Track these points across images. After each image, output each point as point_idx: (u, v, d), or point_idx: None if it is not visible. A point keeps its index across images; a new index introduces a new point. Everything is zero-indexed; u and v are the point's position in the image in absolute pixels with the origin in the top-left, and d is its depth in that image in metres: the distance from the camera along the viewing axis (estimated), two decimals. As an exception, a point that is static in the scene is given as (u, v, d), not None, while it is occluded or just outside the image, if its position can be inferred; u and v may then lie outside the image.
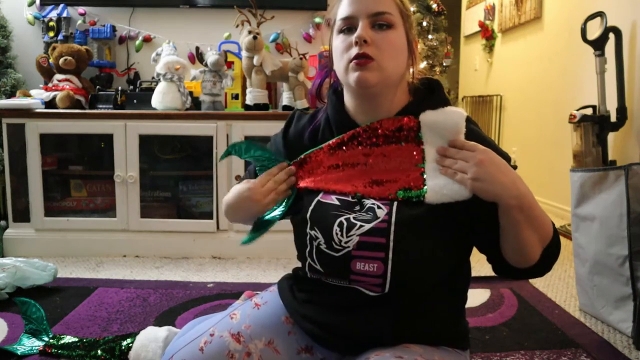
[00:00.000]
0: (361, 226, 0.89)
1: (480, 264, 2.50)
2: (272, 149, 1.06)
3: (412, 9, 2.67)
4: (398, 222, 0.87)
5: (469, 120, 0.92)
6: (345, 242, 0.89)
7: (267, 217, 1.01)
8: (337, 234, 0.90)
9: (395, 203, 0.89)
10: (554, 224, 0.91)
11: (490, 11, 4.73)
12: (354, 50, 0.89)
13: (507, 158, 0.90)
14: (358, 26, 0.89)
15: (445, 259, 0.91)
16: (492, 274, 2.66)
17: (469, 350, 1.02)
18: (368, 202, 0.91)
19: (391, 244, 0.86)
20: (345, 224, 0.90)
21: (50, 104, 2.58)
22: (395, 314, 0.91)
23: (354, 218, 0.90)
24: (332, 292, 0.94)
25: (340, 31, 0.93)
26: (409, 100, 0.96)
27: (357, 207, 0.92)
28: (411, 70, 0.96)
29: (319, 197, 0.96)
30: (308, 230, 0.94)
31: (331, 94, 1.01)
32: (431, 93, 0.96)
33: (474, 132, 0.91)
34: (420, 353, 0.88)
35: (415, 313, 0.92)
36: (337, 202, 0.93)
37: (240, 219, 1.05)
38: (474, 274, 2.65)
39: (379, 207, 0.90)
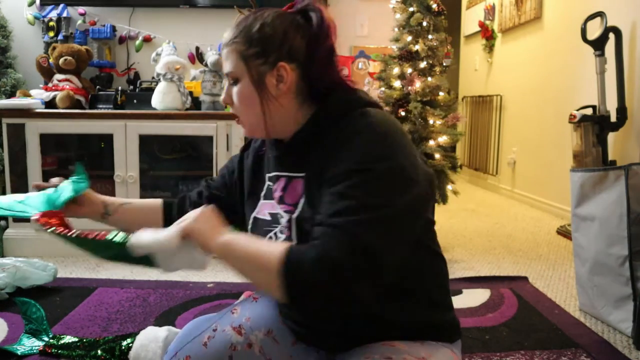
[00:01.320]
0: (279, 238, 0.93)
1: (480, 264, 2.51)
2: (229, 166, 1.13)
3: (411, 9, 2.67)
4: (298, 230, 0.89)
5: (352, 119, 0.88)
6: None
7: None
8: None
9: (297, 211, 0.91)
10: (290, 252, 0.77)
11: (490, 11, 4.73)
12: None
13: (387, 157, 0.83)
14: None
15: None
16: (492, 274, 2.65)
17: (460, 341, 1.00)
18: (277, 212, 0.95)
19: None
20: (274, 239, 0.94)
21: (50, 104, 2.58)
22: (350, 317, 0.91)
23: (279, 231, 0.94)
24: None
25: None
26: (313, 112, 0.94)
27: (278, 218, 0.95)
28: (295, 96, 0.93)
29: (254, 214, 1.00)
30: None
31: None
32: (328, 98, 0.93)
33: (348, 130, 0.87)
34: (407, 350, 0.88)
35: (370, 315, 0.91)
36: (268, 217, 0.97)
37: None
38: (473, 273, 2.64)
39: (281, 217, 0.93)
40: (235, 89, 0.93)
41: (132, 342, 1.49)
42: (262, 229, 0.97)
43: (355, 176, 0.81)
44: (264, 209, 0.99)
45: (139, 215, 1.13)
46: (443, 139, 2.62)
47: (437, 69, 2.68)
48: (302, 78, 0.92)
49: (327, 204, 0.81)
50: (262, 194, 1.01)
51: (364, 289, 0.76)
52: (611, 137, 2.84)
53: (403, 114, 2.64)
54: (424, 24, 2.63)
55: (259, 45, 0.91)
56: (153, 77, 2.67)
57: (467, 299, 2.03)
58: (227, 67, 0.94)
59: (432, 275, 0.97)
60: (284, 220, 0.92)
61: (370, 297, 0.78)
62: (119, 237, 0.84)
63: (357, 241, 0.76)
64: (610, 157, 2.81)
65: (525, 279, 2.27)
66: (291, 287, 0.76)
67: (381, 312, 0.91)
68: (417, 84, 2.60)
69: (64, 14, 2.83)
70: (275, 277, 0.76)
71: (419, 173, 0.86)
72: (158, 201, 1.17)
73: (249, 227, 1.01)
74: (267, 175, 1.01)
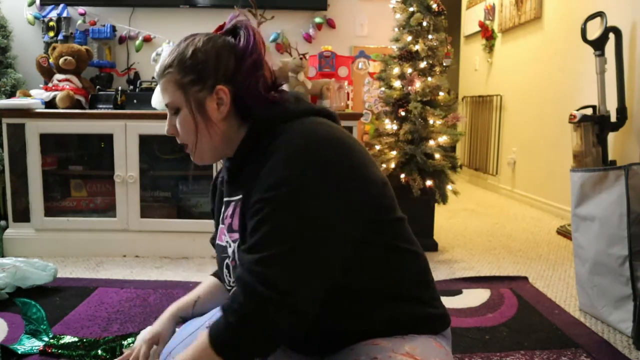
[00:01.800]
0: (230, 267, 0.96)
1: (480, 264, 2.51)
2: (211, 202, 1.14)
3: (411, 9, 2.67)
4: (238, 259, 0.91)
5: (268, 144, 0.87)
6: (233, 282, 0.95)
7: None
8: (226, 275, 0.97)
9: (239, 239, 0.91)
10: (210, 331, 0.82)
11: (490, 11, 4.73)
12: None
13: (294, 178, 0.82)
14: None
15: None
16: (492, 274, 2.65)
17: (449, 331, 0.98)
18: (224, 240, 0.97)
19: None
20: (230, 265, 0.96)
21: (50, 104, 2.58)
22: (314, 327, 0.90)
23: (229, 260, 0.96)
24: None
25: None
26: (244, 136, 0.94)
27: (225, 245, 0.97)
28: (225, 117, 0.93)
29: (217, 240, 1.02)
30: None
31: None
32: (249, 119, 0.93)
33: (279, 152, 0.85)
34: (390, 347, 0.86)
35: (345, 322, 0.90)
36: (224, 243, 0.98)
37: None
38: (473, 273, 2.64)
39: (229, 246, 0.95)
40: (177, 119, 0.93)
41: (133, 342, 1.49)
42: (220, 255, 0.99)
43: (263, 206, 0.81)
44: (221, 235, 1.01)
45: (211, 299, 1.13)
46: (443, 139, 2.62)
47: (437, 69, 2.68)
48: (236, 97, 0.92)
49: (248, 238, 0.84)
50: (221, 218, 1.03)
51: (286, 321, 0.79)
52: (611, 137, 2.84)
53: (403, 114, 2.64)
54: (424, 24, 2.63)
55: (193, 72, 0.91)
56: (153, 77, 2.67)
57: (467, 299, 2.03)
58: (166, 98, 0.94)
59: (403, 272, 0.93)
60: (230, 250, 0.94)
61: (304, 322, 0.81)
62: None
63: (261, 284, 0.78)
64: (610, 157, 2.81)
65: (525, 279, 2.27)
66: (230, 354, 0.80)
67: (354, 318, 0.89)
68: (417, 84, 2.60)
69: (64, 14, 2.83)
70: (217, 357, 0.79)
71: (342, 186, 0.83)
72: (214, 280, 1.17)
73: (217, 253, 1.04)
74: (224, 199, 1.03)
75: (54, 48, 2.66)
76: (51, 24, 2.82)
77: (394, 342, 0.88)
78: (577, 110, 2.82)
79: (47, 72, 2.73)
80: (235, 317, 0.79)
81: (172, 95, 0.92)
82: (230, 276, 0.96)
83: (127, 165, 2.50)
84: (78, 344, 1.56)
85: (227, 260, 0.96)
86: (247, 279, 0.79)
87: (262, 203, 0.82)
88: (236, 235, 0.93)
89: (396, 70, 2.68)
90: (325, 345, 0.92)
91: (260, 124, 0.91)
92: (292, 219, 0.80)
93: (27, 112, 2.46)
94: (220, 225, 1.02)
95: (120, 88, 2.67)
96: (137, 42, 2.95)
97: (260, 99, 0.92)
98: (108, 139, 2.51)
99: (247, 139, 0.92)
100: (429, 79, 2.63)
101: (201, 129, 0.92)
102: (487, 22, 4.76)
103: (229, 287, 0.98)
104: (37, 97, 2.57)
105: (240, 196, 0.93)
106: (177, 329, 1.10)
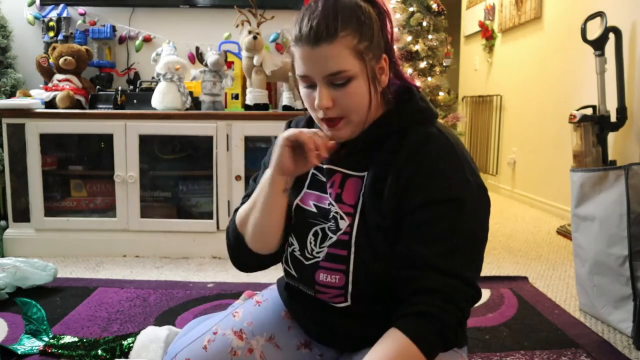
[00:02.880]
0: (330, 237, 0.89)
1: (480, 264, 2.51)
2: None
3: (411, 9, 2.67)
4: (359, 235, 0.86)
5: (430, 136, 0.86)
6: (317, 253, 0.90)
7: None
8: (310, 242, 0.91)
9: (358, 214, 0.87)
10: (422, 345, 0.78)
11: (490, 11, 4.73)
12: (320, 113, 0.85)
13: (468, 183, 0.84)
14: (317, 85, 0.84)
15: None
16: (492, 273, 2.65)
17: (466, 347, 1.00)
18: (332, 210, 0.90)
19: (352, 256, 0.86)
20: (320, 234, 0.91)
21: (50, 104, 2.58)
22: (369, 320, 0.90)
23: (328, 228, 0.90)
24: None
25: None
26: (383, 111, 0.91)
27: (331, 216, 0.90)
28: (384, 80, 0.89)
29: (297, 201, 0.96)
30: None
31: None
32: (407, 102, 0.91)
33: (427, 156, 0.85)
34: None
35: (386, 318, 0.89)
36: (313, 209, 0.93)
37: (264, 213, 0.92)
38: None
39: (341, 218, 0.89)
40: (346, 90, 0.82)
41: (133, 342, 1.49)
42: (306, 219, 0.93)
43: (445, 207, 0.82)
44: (308, 199, 0.94)
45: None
46: (443, 139, 2.62)
47: (437, 69, 2.68)
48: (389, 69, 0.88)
49: (423, 238, 0.82)
50: (307, 182, 0.96)
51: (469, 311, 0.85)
52: (611, 137, 2.84)
53: (403, 114, 2.64)
54: (424, 24, 2.64)
55: (368, 37, 0.82)
56: (153, 77, 2.67)
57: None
58: (335, 65, 0.81)
59: None
60: (344, 224, 0.88)
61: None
62: None
63: (467, 287, 0.81)
64: (610, 157, 2.81)
65: (525, 279, 2.27)
66: (434, 352, 0.79)
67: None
68: (417, 84, 2.61)
69: (64, 14, 2.83)
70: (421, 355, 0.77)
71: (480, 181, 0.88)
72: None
73: (292, 213, 0.96)
74: (325, 166, 0.94)
75: (54, 48, 2.66)
76: (51, 24, 2.82)
77: None
78: (577, 110, 2.83)
79: (47, 72, 2.73)
80: (452, 327, 0.79)
81: (348, 63, 0.81)
82: (316, 244, 0.90)
83: (127, 165, 2.50)
84: (78, 344, 1.56)
85: (318, 227, 0.91)
86: (451, 281, 0.80)
87: (441, 204, 0.82)
88: (349, 209, 0.88)
89: (396, 70, 2.68)
90: (361, 339, 0.91)
91: (416, 115, 0.88)
92: (476, 225, 0.85)
93: (27, 112, 2.46)
94: (307, 190, 0.95)
95: (120, 88, 2.67)
96: (137, 42, 2.95)
97: (402, 75, 0.91)
98: (108, 139, 2.51)
99: (397, 121, 0.88)
100: (429, 79, 2.64)
101: (374, 101, 0.85)
102: (487, 22, 4.76)
103: (309, 256, 0.91)
104: (37, 97, 2.57)
105: (364, 174, 0.88)
106: (180, 331, 1.10)
